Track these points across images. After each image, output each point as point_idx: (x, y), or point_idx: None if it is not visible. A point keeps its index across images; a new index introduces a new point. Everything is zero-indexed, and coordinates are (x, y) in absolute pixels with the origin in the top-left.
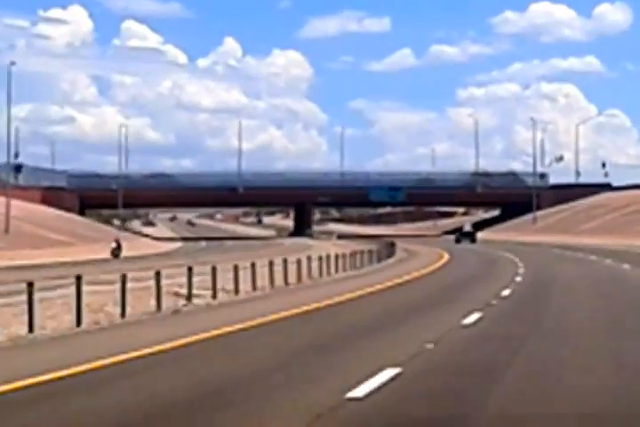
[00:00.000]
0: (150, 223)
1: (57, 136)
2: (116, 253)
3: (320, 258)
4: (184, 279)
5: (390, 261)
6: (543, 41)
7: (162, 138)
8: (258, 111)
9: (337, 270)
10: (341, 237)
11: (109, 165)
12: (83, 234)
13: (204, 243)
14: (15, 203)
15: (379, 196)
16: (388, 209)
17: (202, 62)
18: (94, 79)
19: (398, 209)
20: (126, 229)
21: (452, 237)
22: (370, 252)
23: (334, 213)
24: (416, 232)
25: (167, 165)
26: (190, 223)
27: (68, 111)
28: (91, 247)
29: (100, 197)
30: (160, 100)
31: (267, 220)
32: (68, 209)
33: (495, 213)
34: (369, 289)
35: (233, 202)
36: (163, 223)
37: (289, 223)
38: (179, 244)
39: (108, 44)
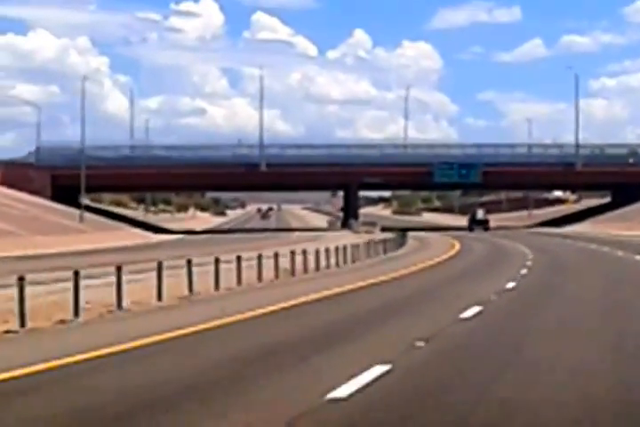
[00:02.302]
0: (222, 213)
1: (188, 128)
2: None
3: (317, 251)
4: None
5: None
6: None
7: (292, 129)
8: (387, 102)
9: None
10: (386, 229)
11: None
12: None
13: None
14: None
15: (445, 175)
16: (492, 197)
17: (331, 54)
18: (225, 71)
19: (502, 196)
20: (136, 223)
21: (544, 229)
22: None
23: (436, 202)
24: (502, 223)
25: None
26: (263, 214)
27: (199, 103)
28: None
29: (75, 177)
30: (290, 91)
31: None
32: (36, 191)
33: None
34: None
35: (252, 183)
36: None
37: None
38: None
39: (238, 37)
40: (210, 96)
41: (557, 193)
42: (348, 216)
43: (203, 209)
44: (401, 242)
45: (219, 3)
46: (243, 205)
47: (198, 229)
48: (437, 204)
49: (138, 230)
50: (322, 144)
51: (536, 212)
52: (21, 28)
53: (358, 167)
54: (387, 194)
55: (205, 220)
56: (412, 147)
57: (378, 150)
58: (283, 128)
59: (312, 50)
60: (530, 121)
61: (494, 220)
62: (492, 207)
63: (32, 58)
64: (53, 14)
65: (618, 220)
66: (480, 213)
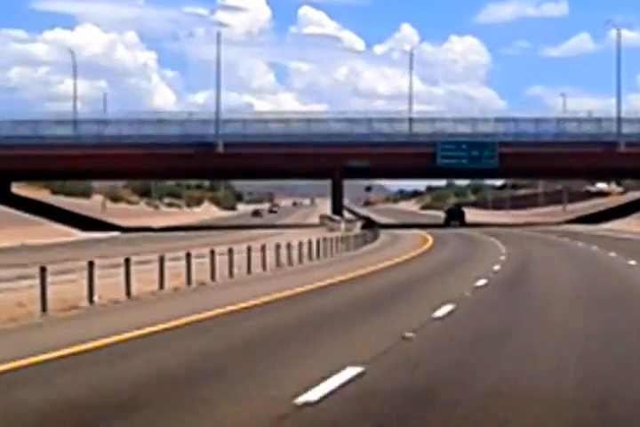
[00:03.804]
0: (232, 208)
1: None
2: None
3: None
4: None
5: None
6: None
7: (338, 125)
8: (435, 97)
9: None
10: (366, 226)
11: None
12: None
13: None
14: None
15: (450, 158)
16: (529, 190)
17: (378, 49)
18: (271, 66)
19: (540, 189)
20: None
21: (576, 227)
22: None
23: (471, 196)
24: (531, 219)
25: None
26: (255, 212)
27: (246, 98)
28: None
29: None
30: (336, 86)
31: None
32: None
33: None
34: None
35: (206, 168)
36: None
37: None
38: None
39: (285, 32)
40: (257, 91)
41: (601, 185)
42: (335, 210)
43: (218, 204)
44: (363, 241)
45: None
46: (271, 200)
47: (170, 225)
48: (472, 198)
49: (61, 226)
50: (296, 118)
51: (574, 206)
52: (69, 22)
53: (342, 148)
54: (422, 187)
55: (197, 215)
56: (408, 121)
57: (366, 127)
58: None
59: (359, 44)
60: (564, 95)
61: (523, 215)
62: (528, 202)
63: (80, 53)
64: (101, 9)
65: None
66: (456, 208)
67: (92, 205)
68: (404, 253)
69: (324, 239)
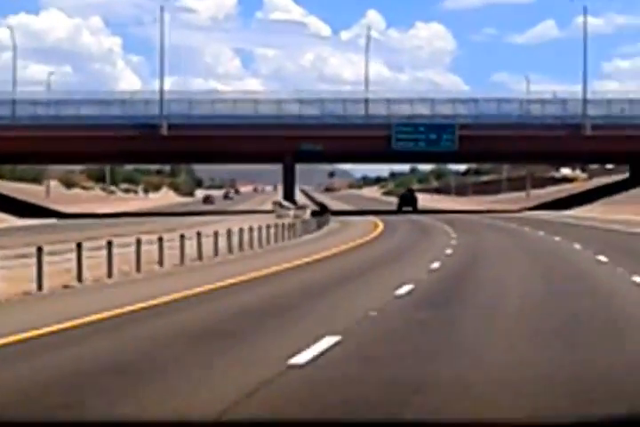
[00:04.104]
0: (190, 194)
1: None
2: None
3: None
4: None
5: None
6: None
7: (304, 110)
8: (401, 84)
9: None
10: (316, 213)
11: None
12: None
13: None
14: None
15: (407, 141)
16: (493, 176)
17: (345, 35)
18: (237, 52)
19: (504, 175)
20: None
21: (539, 213)
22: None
23: (434, 182)
24: (493, 206)
25: None
26: (206, 198)
27: (212, 84)
28: None
29: None
30: (302, 72)
31: None
32: None
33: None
34: None
35: (150, 151)
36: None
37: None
38: None
39: (251, 17)
40: (222, 77)
41: (565, 171)
42: (286, 196)
43: (177, 190)
44: (310, 228)
45: None
46: (232, 186)
47: (116, 211)
48: (435, 184)
49: None
50: (245, 98)
51: (538, 192)
52: (34, 7)
53: (293, 130)
54: (385, 173)
55: (151, 201)
56: (364, 103)
57: (318, 108)
58: (295, 109)
59: (326, 30)
60: (528, 78)
61: (485, 202)
62: (491, 188)
63: (44, 38)
64: None
65: (636, 201)
66: (408, 193)
67: (41, 191)
68: (342, 244)
69: (268, 226)
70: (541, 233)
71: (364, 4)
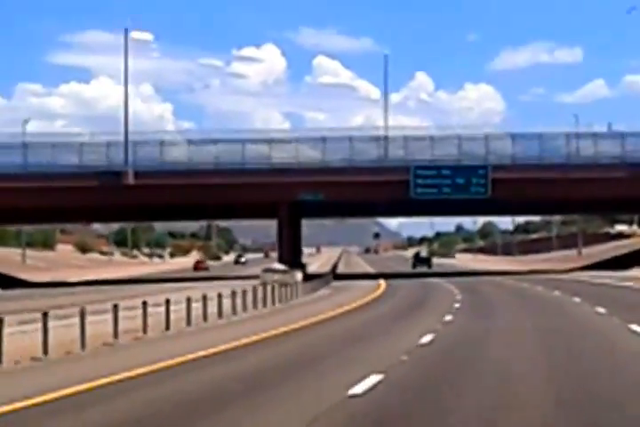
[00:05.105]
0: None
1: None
2: None
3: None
4: None
5: None
6: None
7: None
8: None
9: None
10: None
11: None
12: None
13: None
14: None
15: (428, 187)
16: (542, 234)
17: (394, 97)
18: (287, 116)
19: (554, 232)
20: None
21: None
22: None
23: (479, 241)
24: (539, 265)
25: None
26: (238, 260)
27: (261, 148)
28: None
29: None
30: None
31: None
32: None
33: None
34: None
35: (112, 205)
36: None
37: None
38: None
39: (300, 82)
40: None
41: (621, 227)
42: (281, 259)
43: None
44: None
45: (280, 47)
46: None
47: (98, 278)
48: (481, 243)
49: None
50: (230, 139)
51: (591, 249)
52: (85, 75)
53: (291, 176)
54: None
55: (158, 266)
56: (376, 140)
57: (320, 150)
58: None
59: (375, 93)
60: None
61: (531, 261)
62: (540, 246)
63: (95, 105)
64: (116, 62)
65: None
66: (423, 252)
67: (54, 257)
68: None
69: (233, 293)
70: (601, 310)
71: (413, 67)
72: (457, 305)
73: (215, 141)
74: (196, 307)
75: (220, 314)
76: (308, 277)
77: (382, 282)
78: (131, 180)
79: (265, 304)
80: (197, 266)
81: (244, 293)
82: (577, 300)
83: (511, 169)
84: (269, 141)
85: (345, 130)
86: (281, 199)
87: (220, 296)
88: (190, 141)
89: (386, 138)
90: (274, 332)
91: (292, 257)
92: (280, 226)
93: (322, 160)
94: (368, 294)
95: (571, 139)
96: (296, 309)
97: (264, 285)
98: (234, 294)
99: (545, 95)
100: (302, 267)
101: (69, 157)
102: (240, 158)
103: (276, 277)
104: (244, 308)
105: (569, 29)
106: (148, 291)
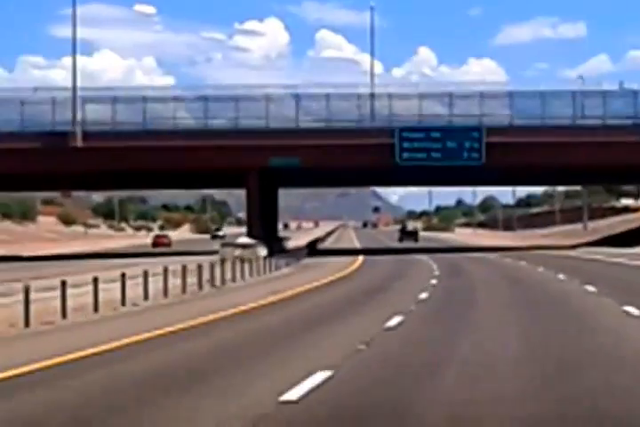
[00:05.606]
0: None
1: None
2: None
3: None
4: None
5: None
6: None
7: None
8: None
9: None
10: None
11: None
12: None
13: None
14: None
15: (415, 152)
16: (545, 207)
17: (397, 72)
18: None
19: (557, 206)
20: None
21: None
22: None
23: (480, 215)
24: (540, 241)
25: None
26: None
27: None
28: None
29: None
30: (352, 109)
31: None
32: None
33: None
34: None
35: (56, 171)
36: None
37: None
38: None
39: (303, 56)
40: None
41: (626, 201)
42: (250, 232)
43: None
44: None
45: (283, 21)
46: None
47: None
48: (481, 217)
49: None
50: (193, 96)
51: (597, 223)
52: (87, 48)
53: (261, 138)
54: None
55: (139, 239)
56: (361, 98)
57: (293, 106)
58: None
59: (378, 67)
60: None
61: (533, 236)
62: (543, 221)
63: (99, 78)
64: (119, 35)
65: None
66: (410, 225)
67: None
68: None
69: (165, 271)
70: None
71: (416, 42)
72: (423, 296)
73: (176, 99)
74: (107, 288)
75: (122, 302)
76: (284, 253)
77: (360, 259)
78: (79, 142)
79: (201, 287)
80: (157, 241)
81: (184, 270)
82: (591, 289)
83: (508, 132)
84: (236, 99)
85: (322, 86)
86: (249, 165)
87: (146, 275)
88: (145, 98)
89: (372, 95)
90: (169, 329)
91: (263, 231)
92: (249, 196)
93: (294, 120)
94: (332, 274)
95: (577, 98)
96: (229, 294)
97: (222, 261)
98: (165, 271)
99: (548, 70)
100: (280, 241)
101: (10, 115)
102: (203, 118)
103: (237, 252)
104: (165, 293)
105: (572, 4)
106: (89, 268)
